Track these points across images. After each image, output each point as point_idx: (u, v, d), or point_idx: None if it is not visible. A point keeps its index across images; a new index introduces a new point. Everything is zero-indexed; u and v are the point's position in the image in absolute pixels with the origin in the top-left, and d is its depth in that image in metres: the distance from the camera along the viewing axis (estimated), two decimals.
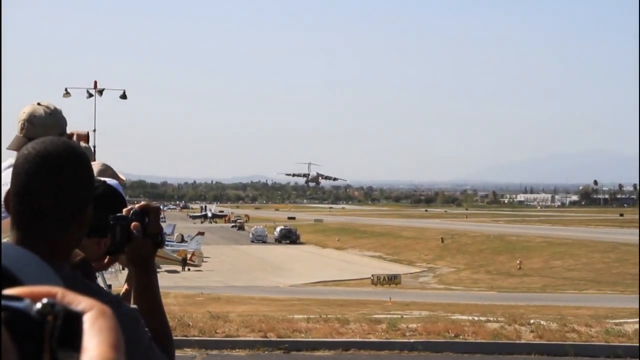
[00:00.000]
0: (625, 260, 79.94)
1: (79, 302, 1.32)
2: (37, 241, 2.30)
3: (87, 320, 1.30)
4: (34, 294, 1.29)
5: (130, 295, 2.99)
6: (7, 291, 1.28)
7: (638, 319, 18.14)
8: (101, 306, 1.33)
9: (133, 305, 2.69)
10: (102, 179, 3.21)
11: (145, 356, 2.52)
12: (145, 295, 2.82)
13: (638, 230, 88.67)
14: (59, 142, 2.32)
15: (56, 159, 2.27)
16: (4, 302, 1.25)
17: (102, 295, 2.48)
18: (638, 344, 14.95)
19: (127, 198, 3.32)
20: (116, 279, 25.37)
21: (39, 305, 1.27)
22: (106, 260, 3.17)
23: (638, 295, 30.60)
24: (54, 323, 1.26)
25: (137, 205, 2.88)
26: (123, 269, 3.48)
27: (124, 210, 2.89)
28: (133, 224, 2.82)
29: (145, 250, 2.83)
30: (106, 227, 2.81)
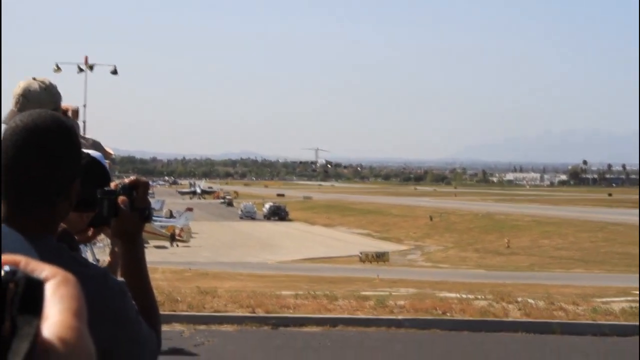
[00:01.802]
0: (612, 240, 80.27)
1: (42, 269, 1.31)
2: (25, 214, 2.29)
3: (49, 288, 1.28)
4: None
5: (114, 268, 2.99)
6: None
7: (638, 297, 18.20)
8: (64, 274, 1.31)
9: (120, 279, 2.68)
10: (86, 151, 3.20)
11: (132, 329, 2.51)
12: (133, 269, 2.80)
13: (638, 210, 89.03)
14: (46, 115, 2.30)
15: (44, 131, 2.26)
16: None
17: (87, 267, 2.47)
18: (638, 323, 15.02)
19: (116, 174, 3.31)
20: (105, 253, 25.36)
21: (1, 273, 1.26)
22: (90, 232, 3.16)
23: (638, 274, 30.77)
24: (16, 290, 1.25)
25: (126, 180, 2.87)
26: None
27: (112, 184, 2.88)
28: (121, 198, 2.81)
29: (133, 224, 2.82)
30: (93, 200, 2.79)
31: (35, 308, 1.26)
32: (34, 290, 1.27)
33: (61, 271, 1.32)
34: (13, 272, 1.27)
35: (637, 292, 23.84)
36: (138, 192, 2.84)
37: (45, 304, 1.27)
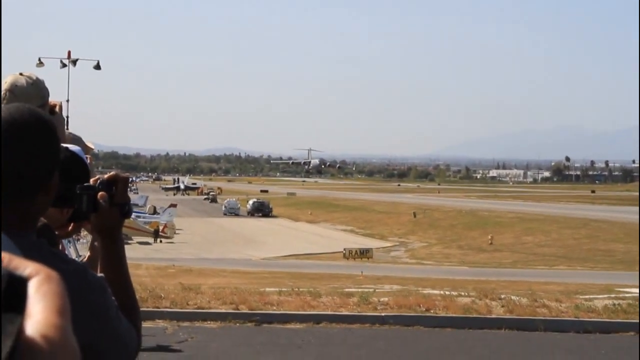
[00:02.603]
0: (596, 237, 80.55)
1: (25, 267, 1.30)
2: (4, 208, 2.26)
3: (33, 285, 1.27)
4: None
5: (94, 263, 2.96)
6: None
7: (638, 293, 18.25)
8: (47, 271, 1.30)
9: (99, 274, 2.65)
10: (65, 145, 3.16)
11: (112, 325, 2.49)
12: (112, 265, 2.78)
13: (638, 208, 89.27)
14: (24, 109, 2.27)
15: (22, 125, 2.22)
16: None
17: (67, 262, 2.44)
18: (638, 320, 15.07)
19: (99, 169, 3.27)
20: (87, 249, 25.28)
21: None
22: (70, 227, 3.13)
23: (638, 273, 30.91)
24: None
25: (106, 176, 2.84)
26: None
27: (92, 180, 2.85)
28: (100, 193, 2.78)
29: (112, 220, 2.80)
30: (72, 196, 2.76)
31: (18, 306, 1.24)
32: (16, 287, 1.25)
33: (44, 268, 1.31)
34: None
35: (621, 290, 23.99)
36: (117, 188, 2.82)
37: (29, 301, 1.25)
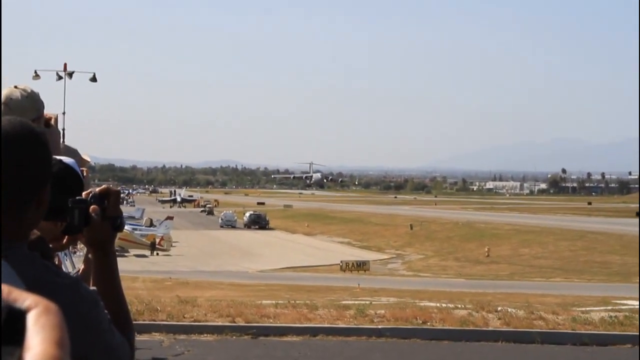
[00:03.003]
0: (592, 249, 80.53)
1: (24, 299, 1.30)
2: None
3: (31, 318, 1.28)
4: None
5: (87, 276, 2.95)
6: None
7: (638, 305, 18.24)
8: (46, 303, 1.31)
9: (92, 287, 2.64)
10: (58, 157, 3.15)
11: (105, 338, 2.48)
12: (105, 278, 2.78)
13: (638, 219, 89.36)
14: (15, 122, 2.26)
15: (13, 138, 2.21)
16: None
17: (60, 276, 2.43)
18: (638, 332, 15.06)
19: (95, 182, 3.26)
20: None
21: None
22: (65, 240, 3.12)
23: (638, 284, 30.88)
24: None
25: (97, 189, 2.83)
26: None
27: (84, 193, 2.84)
28: (92, 207, 2.77)
29: (104, 233, 2.80)
30: (64, 209, 2.75)
31: (18, 338, 1.25)
32: (16, 320, 1.26)
33: (43, 300, 1.32)
34: None
35: (618, 302, 23.95)
36: (109, 201, 2.81)
37: (27, 333, 1.26)
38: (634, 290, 35.79)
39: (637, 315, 16.92)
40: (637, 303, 21.25)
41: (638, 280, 36.00)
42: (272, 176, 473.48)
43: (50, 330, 1.27)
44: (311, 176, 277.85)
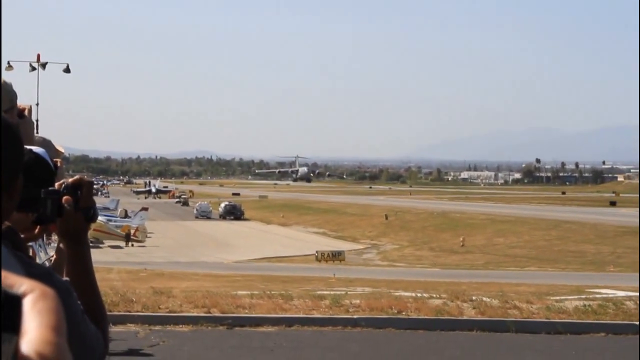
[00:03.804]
0: (566, 238, 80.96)
1: (21, 284, 1.30)
2: None
3: (28, 303, 1.28)
4: None
5: (59, 266, 2.93)
6: None
7: (638, 296, 18.34)
8: (43, 288, 1.31)
9: (65, 278, 2.63)
10: (28, 147, 3.13)
11: (78, 330, 2.46)
12: (78, 269, 2.76)
13: (638, 210, 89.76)
14: None
15: None
16: None
17: (32, 267, 2.41)
18: (638, 322, 15.16)
19: (70, 172, 3.24)
20: None
21: None
22: (37, 230, 3.09)
23: (638, 274, 31.00)
24: None
25: (70, 180, 2.82)
26: None
27: (56, 184, 2.82)
28: (65, 197, 2.76)
29: (77, 224, 2.78)
30: (37, 200, 2.74)
31: (14, 324, 1.25)
32: (12, 306, 1.26)
33: (40, 285, 1.32)
34: None
35: (592, 291, 24.10)
36: (82, 192, 2.80)
37: (24, 318, 1.26)
38: (608, 279, 36.08)
39: (611, 304, 17.04)
40: (612, 292, 21.38)
41: (638, 271, 36.11)
42: (255, 170, 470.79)
43: (47, 315, 1.27)
44: (297, 170, 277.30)
